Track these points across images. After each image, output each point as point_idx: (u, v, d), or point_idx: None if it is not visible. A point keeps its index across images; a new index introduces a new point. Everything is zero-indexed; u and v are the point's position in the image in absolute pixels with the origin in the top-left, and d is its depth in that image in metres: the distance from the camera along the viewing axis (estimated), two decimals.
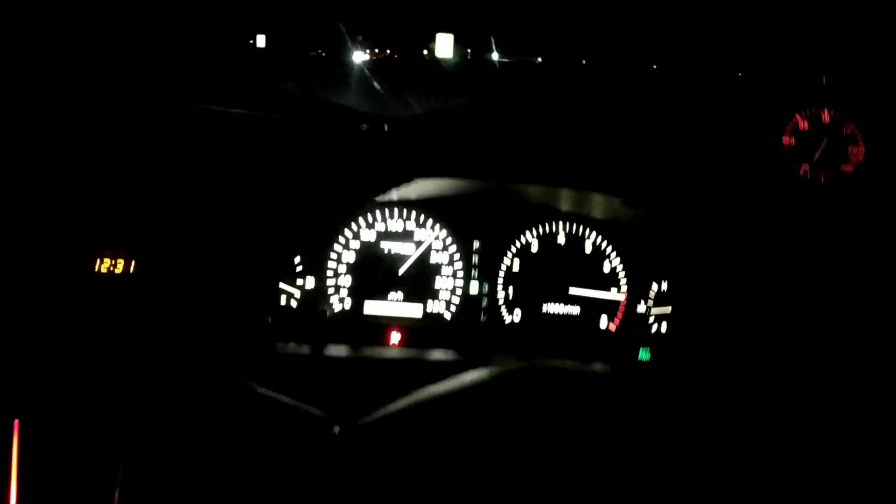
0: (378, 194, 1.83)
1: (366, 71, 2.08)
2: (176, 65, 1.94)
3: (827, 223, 1.80)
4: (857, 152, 1.85)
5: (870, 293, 1.73)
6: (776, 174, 1.84)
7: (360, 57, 2.08)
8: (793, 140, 1.84)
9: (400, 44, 2.14)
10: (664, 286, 1.93)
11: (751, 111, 1.90)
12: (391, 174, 1.77)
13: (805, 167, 1.84)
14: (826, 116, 1.85)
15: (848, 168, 1.85)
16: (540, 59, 2.06)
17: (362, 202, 1.86)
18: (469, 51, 2.05)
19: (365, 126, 1.78)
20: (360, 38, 2.05)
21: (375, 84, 2.00)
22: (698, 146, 1.84)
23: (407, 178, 1.75)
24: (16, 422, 1.25)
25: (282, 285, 1.84)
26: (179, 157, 1.70)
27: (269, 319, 1.79)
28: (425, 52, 2.06)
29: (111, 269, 1.72)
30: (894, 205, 1.81)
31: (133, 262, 1.73)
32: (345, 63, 2.11)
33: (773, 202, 1.82)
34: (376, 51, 2.13)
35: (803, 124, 1.84)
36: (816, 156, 1.84)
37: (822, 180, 1.84)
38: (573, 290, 1.93)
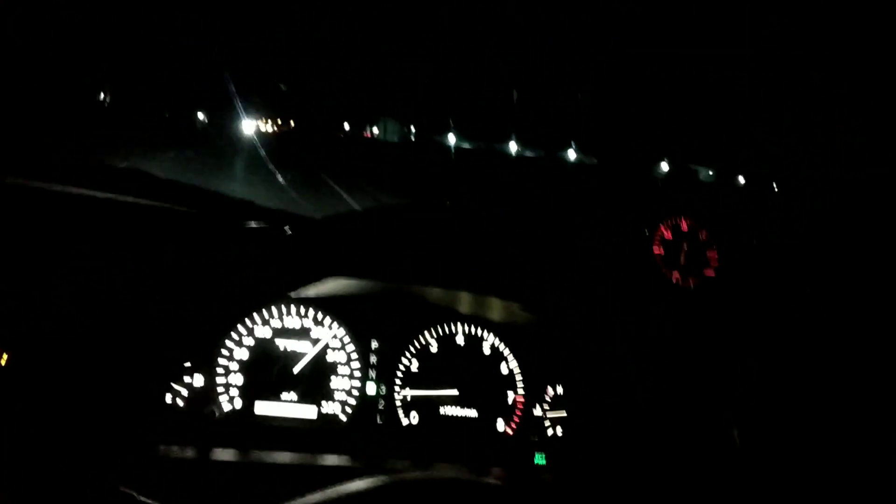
0: (276, 294, 1.79)
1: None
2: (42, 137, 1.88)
3: (700, 324, 1.92)
4: (714, 257, 2.01)
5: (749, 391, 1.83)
6: (653, 282, 1.96)
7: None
8: (662, 249, 1.99)
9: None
10: (559, 390, 1.95)
11: (625, 224, 2.04)
12: (290, 274, 1.73)
13: (676, 274, 1.98)
14: (684, 225, 2.00)
15: (709, 272, 2.00)
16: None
17: (258, 301, 1.81)
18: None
19: (266, 226, 1.75)
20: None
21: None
22: (584, 254, 1.92)
23: (307, 279, 1.72)
24: None
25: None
26: (63, 242, 1.62)
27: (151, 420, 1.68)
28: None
29: None
30: (755, 302, 1.96)
31: (4, 355, 1.59)
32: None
33: (653, 307, 1.92)
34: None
35: (668, 233, 1.99)
36: (681, 262, 1.99)
37: (692, 285, 1.98)
38: (469, 393, 1.92)
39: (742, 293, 1.99)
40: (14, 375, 1.60)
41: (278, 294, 1.76)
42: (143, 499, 1.24)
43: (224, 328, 1.78)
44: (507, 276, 1.79)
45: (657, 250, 1.95)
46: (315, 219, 1.87)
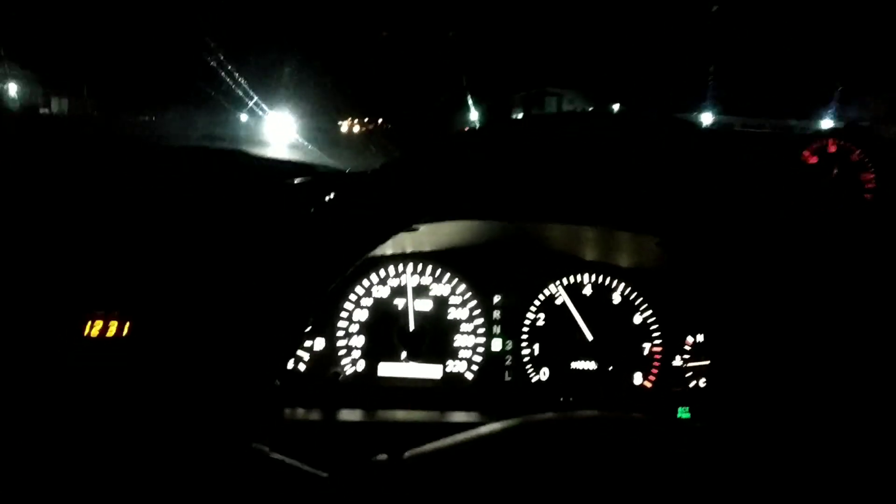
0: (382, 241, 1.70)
1: None
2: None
3: (860, 257, 1.71)
4: (871, 178, 1.79)
5: None
6: (804, 210, 1.76)
7: None
8: (812, 172, 1.79)
9: None
10: (700, 338, 1.80)
11: (774, 146, 1.84)
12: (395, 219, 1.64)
13: (828, 199, 1.79)
14: (832, 146, 1.79)
15: (867, 196, 1.79)
16: None
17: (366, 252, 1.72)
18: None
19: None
20: None
21: None
22: (727, 181, 1.75)
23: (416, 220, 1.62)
24: None
25: None
26: (181, 207, 1.59)
27: (277, 383, 1.63)
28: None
29: (103, 332, 1.57)
30: None
31: (127, 324, 1.57)
32: None
33: (804, 238, 1.72)
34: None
35: (812, 158, 1.79)
36: (832, 186, 1.79)
37: (846, 211, 1.78)
38: (601, 346, 1.79)
39: None
40: (137, 344, 1.59)
41: (390, 233, 1.67)
42: (275, 455, 1.18)
43: (341, 287, 1.72)
44: (643, 208, 1.64)
45: (808, 172, 1.76)
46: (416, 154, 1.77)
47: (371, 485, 1.13)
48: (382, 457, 1.18)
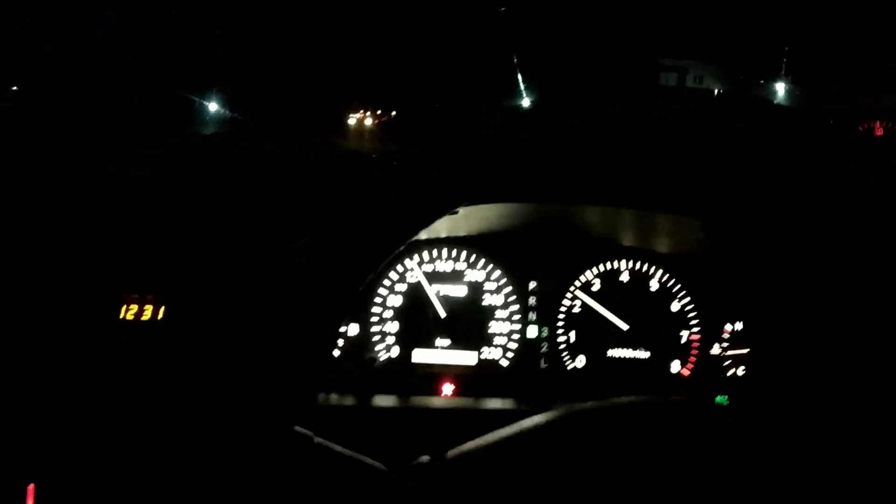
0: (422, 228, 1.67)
1: None
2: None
3: None
4: None
5: None
6: (848, 194, 1.70)
7: None
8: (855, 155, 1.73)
9: None
10: (738, 326, 1.77)
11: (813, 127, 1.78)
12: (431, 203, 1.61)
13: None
14: (879, 129, 1.74)
15: None
16: None
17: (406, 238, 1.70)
18: None
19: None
20: None
21: None
22: (766, 163, 1.70)
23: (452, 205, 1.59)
24: (30, 487, 1.09)
25: None
26: (217, 190, 1.57)
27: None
28: None
29: (138, 315, 1.56)
30: None
31: (163, 308, 1.57)
32: None
33: (846, 224, 1.67)
34: None
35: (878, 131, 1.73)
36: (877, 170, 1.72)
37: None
38: (638, 333, 1.77)
39: None
40: (172, 328, 1.58)
41: (423, 224, 1.65)
42: (319, 439, 1.17)
43: (377, 274, 1.70)
44: (690, 189, 1.60)
45: (850, 155, 1.71)
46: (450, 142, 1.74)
47: (423, 485, 1.12)
48: (425, 458, 1.16)
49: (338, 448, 1.19)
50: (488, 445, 1.13)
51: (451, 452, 1.13)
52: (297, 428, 1.20)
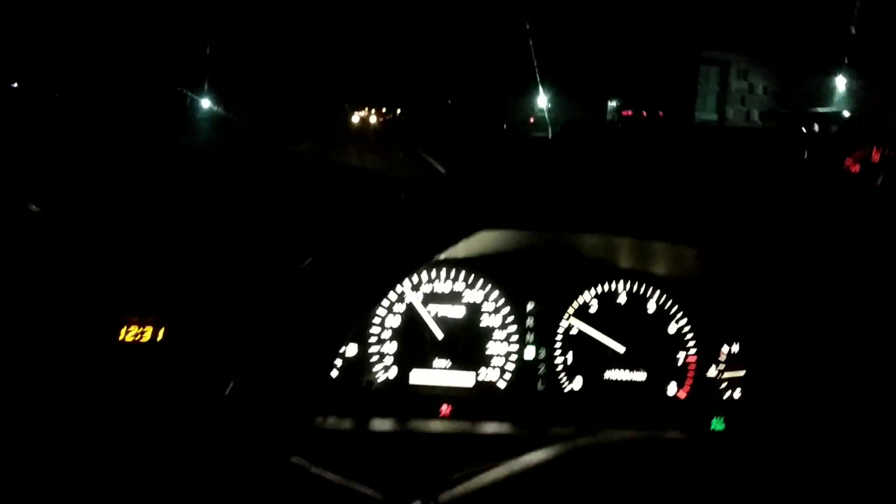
0: (427, 256, 1.68)
1: None
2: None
3: None
4: None
5: None
6: (846, 220, 1.71)
7: None
8: (854, 181, 1.74)
9: None
10: (735, 348, 1.78)
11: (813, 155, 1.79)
12: (436, 234, 1.61)
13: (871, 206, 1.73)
14: (876, 156, 1.75)
15: None
16: None
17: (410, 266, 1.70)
18: None
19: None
20: None
21: None
22: (766, 190, 1.71)
23: (456, 238, 1.60)
24: None
25: None
26: (223, 209, 1.58)
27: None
28: None
29: (137, 337, 1.57)
30: None
31: (162, 329, 1.57)
32: None
33: (845, 248, 1.68)
34: None
35: (855, 167, 1.74)
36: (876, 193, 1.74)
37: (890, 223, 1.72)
38: (635, 355, 1.77)
39: None
40: (170, 350, 1.59)
41: (430, 256, 1.65)
42: (316, 469, 1.17)
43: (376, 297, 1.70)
44: (679, 218, 1.61)
45: (849, 183, 1.73)
46: (453, 172, 1.75)
47: None
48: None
49: (333, 477, 1.19)
50: (479, 488, 1.13)
51: (443, 496, 1.13)
52: (295, 458, 1.20)
